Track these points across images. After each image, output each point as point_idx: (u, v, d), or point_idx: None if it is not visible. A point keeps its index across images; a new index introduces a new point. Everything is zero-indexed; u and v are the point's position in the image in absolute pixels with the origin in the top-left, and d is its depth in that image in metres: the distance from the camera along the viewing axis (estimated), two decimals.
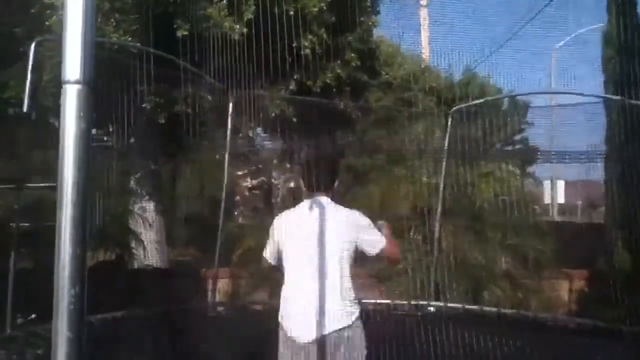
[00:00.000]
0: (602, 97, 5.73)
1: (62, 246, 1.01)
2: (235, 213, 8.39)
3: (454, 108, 5.22)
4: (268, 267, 2.88)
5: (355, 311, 2.57)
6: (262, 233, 6.57)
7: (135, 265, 6.52)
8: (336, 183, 2.76)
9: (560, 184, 13.54)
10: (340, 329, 2.51)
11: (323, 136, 6.82)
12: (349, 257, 2.58)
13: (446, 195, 5.12)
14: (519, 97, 8.09)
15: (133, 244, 6.52)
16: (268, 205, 9.65)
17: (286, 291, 2.65)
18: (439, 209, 5.09)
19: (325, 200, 2.67)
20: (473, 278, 5.14)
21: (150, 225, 6.85)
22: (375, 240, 2.60)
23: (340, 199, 2.76)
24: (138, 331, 4.17)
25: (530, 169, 9.07)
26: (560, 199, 13.97)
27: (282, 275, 2.71)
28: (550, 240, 5.60)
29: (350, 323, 2.53)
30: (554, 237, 5.70)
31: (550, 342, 3.63)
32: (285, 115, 6.32)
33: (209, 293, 5.79)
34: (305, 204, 2.70)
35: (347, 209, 2.69)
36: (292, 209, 2.81)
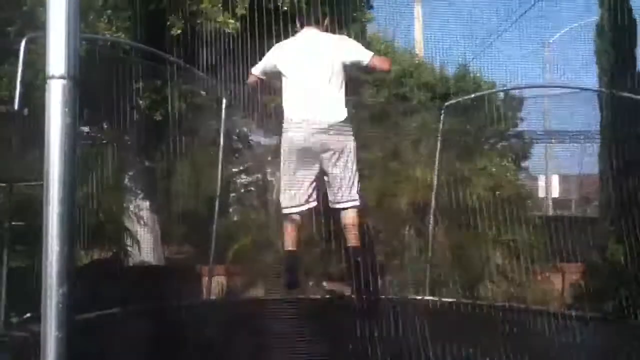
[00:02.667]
0: (594, 90, 5.75)
1: (49, 244, 0.99)
2: (230, 210, 8.37)
3: (447, 103, 5.23)
4: (253, 82, 3.60)
5: (345, 113, 3.19)
6: (258, 229, 6.60)
7: (131, 263, 6.52)
8: (326, 21, 3.44)
9: (555, 179, 13.57)
10: (334, 123, 3.14)
11: None
12: (340, 73, 3.22)
13: (440, 190, 5.12)
14: (512, 91, 8.08)
15: (128, 242, 6.52)
16: (263, 201, 9.62)
17: (288, 101, 3.29)
18: (433, 204, 5.10)
19: (316, 30, 3.35)
20: (467, 273, 5.15)
21: (145, 223, 6.84)
22: (364, 54, 3.30)
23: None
24: (133, 328, 4.16)
25: (524, 164, 9.08)
26: (555, 193, 14.00)
27: (278, 89, 3.38)
28: (545, 234, 5.62)
29: (343, 119, 3.17)
30: (548, 231, 5.72)
31: (543, 335, 3.65)
32: (281, 110, 6.29)
33: (205, 290, 5.78)
34: (299, 34, 3.39)
35: (337, 35, 3.39)
36: (288, 40, 3.45)
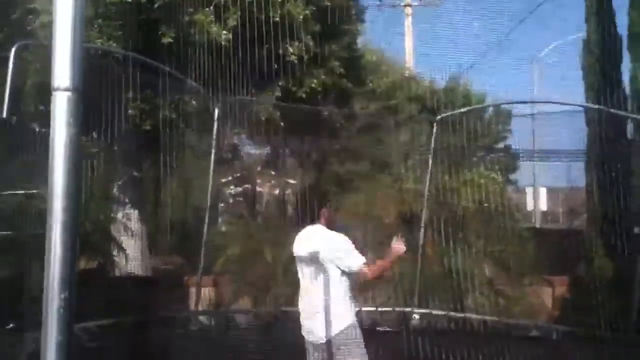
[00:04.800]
0: (582, 105, 5.82)
1: (52, 250, 1.00)
2: (219, 220, 8.33)
3: (439, 116, 5.26)
4: None
5: (349, 314, 3.12)
6: (246, 240, 6.52)
7: (117, 273, 6.43)
8: (326, 214, 3.34)
9: (543, 191, 13.67)
10: (337, 333, 3.06)
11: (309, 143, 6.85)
12: (335, 273, 3.14)
13: (430, 202, 5.14)
14: (502, 106, 8.17)
15: (115, 252, 6.44)
16: (252, 212, 9.62)
17: (299, 301, 3.30)
18: (424, 216, 5.12)
19: (318, 227, 3.31)
20: (456, 285, 5.16)
21: (132, 233, 6.77)
22: (351, 264, 3.15)
23: (332, 218, 3.37)
24: (119, 340, 4.12)
25: (512, 176, 9.15)
26: (543, 206, 14.09)
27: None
28: (532, 247, 5.65)
29: (346, 326, 3.08)
30: (536, 244, 5.75)
31: (532, 349, 3.66)
32: (272, 121, 6.29)
33: (192, 301, 5.74)
34: (306, 230, 3.40)
35: (334, 233, 3.24)
36: (301, 232, 3.43)
